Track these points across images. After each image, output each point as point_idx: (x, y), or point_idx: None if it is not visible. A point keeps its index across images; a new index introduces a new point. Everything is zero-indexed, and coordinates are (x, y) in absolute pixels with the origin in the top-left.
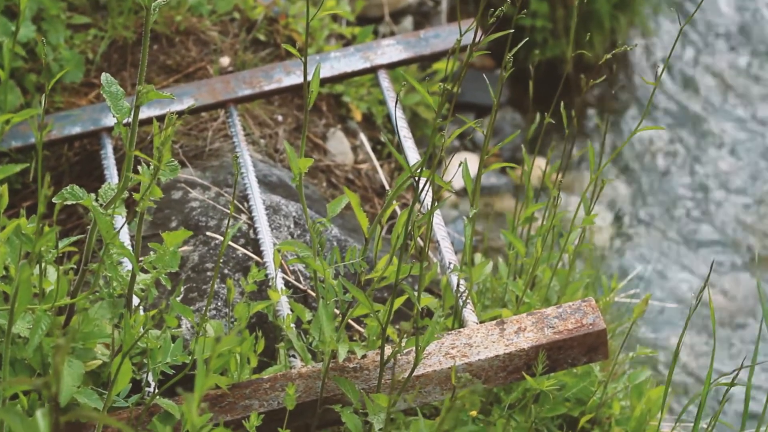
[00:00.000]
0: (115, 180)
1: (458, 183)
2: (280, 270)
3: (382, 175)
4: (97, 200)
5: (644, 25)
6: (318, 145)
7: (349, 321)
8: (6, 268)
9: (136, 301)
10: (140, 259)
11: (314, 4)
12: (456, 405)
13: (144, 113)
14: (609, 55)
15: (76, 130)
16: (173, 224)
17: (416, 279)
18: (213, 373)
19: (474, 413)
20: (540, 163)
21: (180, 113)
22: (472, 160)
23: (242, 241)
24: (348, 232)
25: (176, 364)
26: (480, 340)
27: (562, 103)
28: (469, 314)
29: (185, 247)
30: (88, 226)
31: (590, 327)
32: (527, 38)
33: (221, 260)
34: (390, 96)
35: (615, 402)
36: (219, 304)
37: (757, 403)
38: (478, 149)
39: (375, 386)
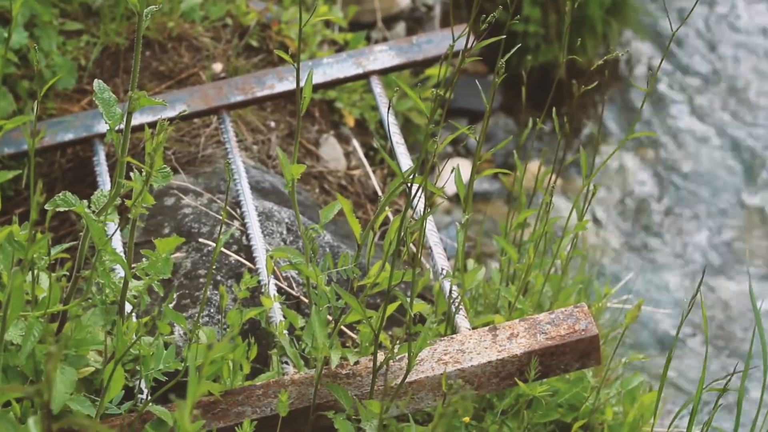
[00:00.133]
0: (108, 187)
1: (451, 189)
2: (272, 276)
3: (374, 181)
4: (89, 207)
5: (637, 30)
6: (311, 151)
7: (342, 327)
8: None
9: (128, 307)
10: (133, 265)
11: (307, 9)
12: (448, 411)
13: (136, 120)
14: (601, 61)
15: (69, 136)
16: (166, 231)
17: (409, 285)
18: (205, 380)
19: (467, 419)
20: (533, 168)
21: (172, 119)
22: (465, 166)
23: (235, 247)
24: (341, 238)
25: (169, 371)
26: (472, 346)
27: (554, 109)
28: (461, 320)
29: (178, 254)
30: (81, 233)
31: (583, 333)
32: (520, 44)
33: (214, 267)
34: (382, 102)
35: (608, 408)
36: (212, 310)
37: (749, 408)
38: (470, 155)
39: (368, 392)
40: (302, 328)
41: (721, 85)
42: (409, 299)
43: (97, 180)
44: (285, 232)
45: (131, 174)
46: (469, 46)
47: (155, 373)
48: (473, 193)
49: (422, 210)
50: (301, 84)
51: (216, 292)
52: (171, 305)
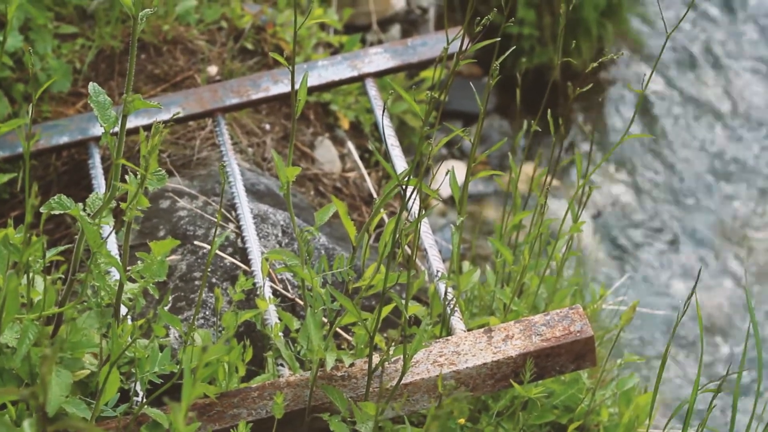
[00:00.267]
0: (103, 189)
1: (446, 191)
2: (268, 279)
3: (369, 184)
4: (84, 210)
5: (632, 32)
6: (306, 154)
7: (337, 329)
8: None
9: (123, 310)
10: (128, 268)
11: (301, 12)
12: (444, 413)
13: (132, 122)
14: (596, 63)
15: (64, 139)
16: (161, 233)
17: (404, 287)
18: (201, 382)
19: (462, 421)
20: (528, 170)
21: (167, 122)
22: (460, 168)
23: (230, 250)
24: (336, 241)
25: (164, 374)
26: (468, 348)
27: (549, 111)
28: (456, 322)
29: (173, 257)
30: (76, 236)
31: (578, 334)
32: (514, 46)
33: (209, 269)
34: (377, 104)
35: (603, 409)
36: (207, 313)
37: (744, 409)
38: (465, 157)
39: (363, 394)
40: (297, 331)
41: (717, 85)
42: (404, 301)
43: (92, 183)
44: (280, 234)
45: (126, 177)
46: (463, 48)
47: (150, 376)
48: (468, 195)
49: (417, 212)
50: (296, 87)
51: (211, 294)
52: (166, 308)
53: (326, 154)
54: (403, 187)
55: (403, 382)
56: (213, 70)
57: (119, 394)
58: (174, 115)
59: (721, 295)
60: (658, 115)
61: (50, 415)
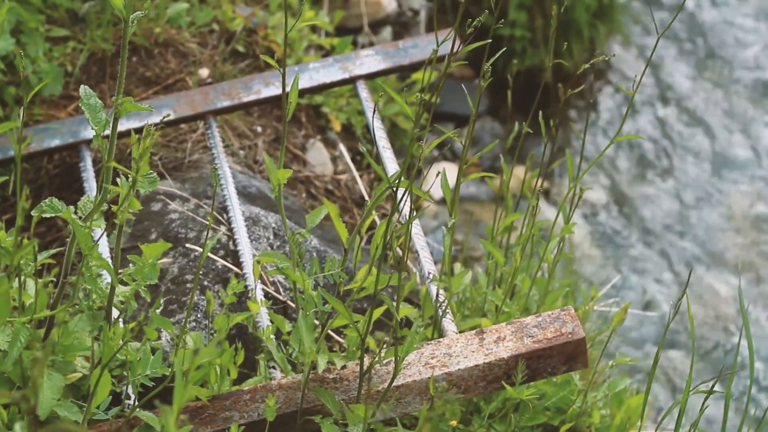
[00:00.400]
0: (94, 192)
1: (438, 193)
2: (259, 281)
3: (361, 186)
4: (76, 213)
5: (623, 33)
6: (297, 156)
7: (329, 332)
8: None
9: (115, 313)
10: (119, 271)
11: (293, 15)
12: (436, 415)
13: (123, 125)
14: (587, 65)
15: (56, 142)
16: (153, 236)
17: (395, 289)
18: (193, 385)
19: (454, 423)
20: (520, 172)
21: (158, 125)
22: (452, 170)
23: (222, 252)
24: (327, 243)
25: (156, 377)
26: (459, 350)
27: (540, 113)
28: (448, 324)
29: (165, 259)
30: (68, 239)
31: (569, 336)
32: (505, 48)
33: (201, 272)
34: (369, 106)
35: (595, 410)
36: (199, 315)
37: (736, 410)
38: (458, 159)
39: (355, 397)
40: (289, 333)
41: (709, 85)
42: (395, 303)
43: (83, 186)
44: (272, 236)
45: (118, 180)
46: (454, 50)
47: (142, 379)
48: (460, 197)
49: (408, 214)
50: (287, 89)
51: (203, 297)
52: (158, 310)
53: (318, 156)
54: (395, 189)
55: (394, 384)
56: (204, 72)
57: (111, 397)
58: (164, 117)
59: (715, 297)
60: (652, 114)
61: (42, 419)
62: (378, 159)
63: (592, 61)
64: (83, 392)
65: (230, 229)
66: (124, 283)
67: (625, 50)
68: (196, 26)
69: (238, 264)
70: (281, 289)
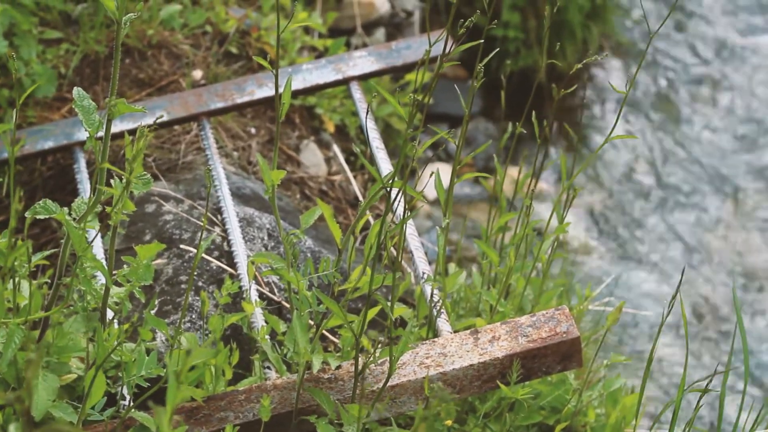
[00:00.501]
0: (89, 194)
1: (432, 193)
2: (254, 282)
3: (355, 186)
4: (70, 214)
5: (616, 34)
6: (291, 157)
7: (324, 332)
8: None
9: (110, 314)
10: (114, 272)
11: (286, 16)
12: (431, 414)
13: (117, 127)
14: (580, 65)
15: (49, 144)
16: (147, 237)
17: (390, 289)
18: (188, 386)
19: (449, 422)
20: (514, 172)
21: (151, 126)
22: (446, 171)
23: (216, 253)
24: (322, 244)
25: (151, 377)
26: (454, 350)
27: (533, 113)
28: (443, 324)
29: (159, 260)
30: (62, 241)
31: (564, 335)
32: (498, 48)
33: (195, 273)
34: (362, 107)
35: (590, 410)
36: (193, 316)
37: (731, 408)
38: (451, 159)
39: (350, 397)
40: (284, 333)
41: (702, 87)
42: (390, 303)
43: (77, 187)
44: (266, 237)
45: (112, 181)
46: (446, 51)
47: (137, 380)
48: (454, 197)
49: (402, 214)
50: (281, 90)
51: (197, 298)
52: (153, 311)
53: (312, 157)
54: (388, 189)
55: (389, 384)
56: (198, 74)
57: (106, 398)
58: (158, 118)
59: (709, 295)
60: (648, 113)
61: (37, 420)
62: (372, 160)
63: (584, 61)
64: (78, 393)
65: (224, 230)
66: (119, 285)
67: (618, 50)
68: (189, 28)
69: (233, 265)
70: (276, 290)
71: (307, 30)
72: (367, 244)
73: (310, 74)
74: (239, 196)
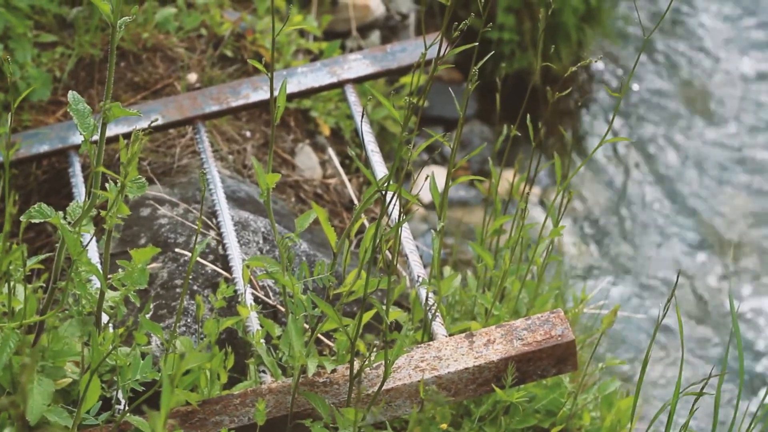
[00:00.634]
0: (84, 198)
1: (427, 196)
2: (249, 285)
3: (350, 190)
4: (65, 218)
5: (611, 36)
6: (286, 161)
7: (319, 336)
8: None
9: (105, 318)
10: (109, 276)
11: (281, 19)
12: (426, 418)
13: (112, 131)
14: (575, 68)
15: (44, 148)
16: (142, 241)
17: (385, 293)
18: (183, 390)
19: (444, 426)
20: (509, 175)
21: (146, 130)
22: (441, 174)
23: (211, 257)
24: (317, 247)
25: (146, 381)
26: (449, 353)
27: (528, 116)
28: (438, 327)
29: (154, 264)
30: (57, 244)
31: (559, 338)
32: (493, 51)
33: (190, 276)
34: (357, 110)
35: (585, 413)
36: (188, 320)
37: (726, 411)
38: (446, 162)
39: (345, 400)
40: (279, 337)
41: (694, 90)
42: (385, 307)
43: (72, 191)
44: (261, 241)
45: (106, 185)
46: (441, 53)
47: (132, 384)
48: (450, 201)
49: (397, 217)
50: (276, 93)
51: (193, 302)
52: (148, 315)
53: (307, 160)
54: (383, 192)
55: (384, 387)
56: (193, 77)
57: (101, 402)
58: (153, 122)
59: (706, 298)
60: (642, 116)
61: (32, 424)
62: (367, 163)
63: (579, 64)
64: (73, 397)
65: (219, 234)
66: (114, 288)
67: (614, 51)
68: (184, 31)
69: (228, 268)
70: (271, 294)
71: (302, 33)
72: (362, 248)
73: (305, 77)
74: (234, 200)
